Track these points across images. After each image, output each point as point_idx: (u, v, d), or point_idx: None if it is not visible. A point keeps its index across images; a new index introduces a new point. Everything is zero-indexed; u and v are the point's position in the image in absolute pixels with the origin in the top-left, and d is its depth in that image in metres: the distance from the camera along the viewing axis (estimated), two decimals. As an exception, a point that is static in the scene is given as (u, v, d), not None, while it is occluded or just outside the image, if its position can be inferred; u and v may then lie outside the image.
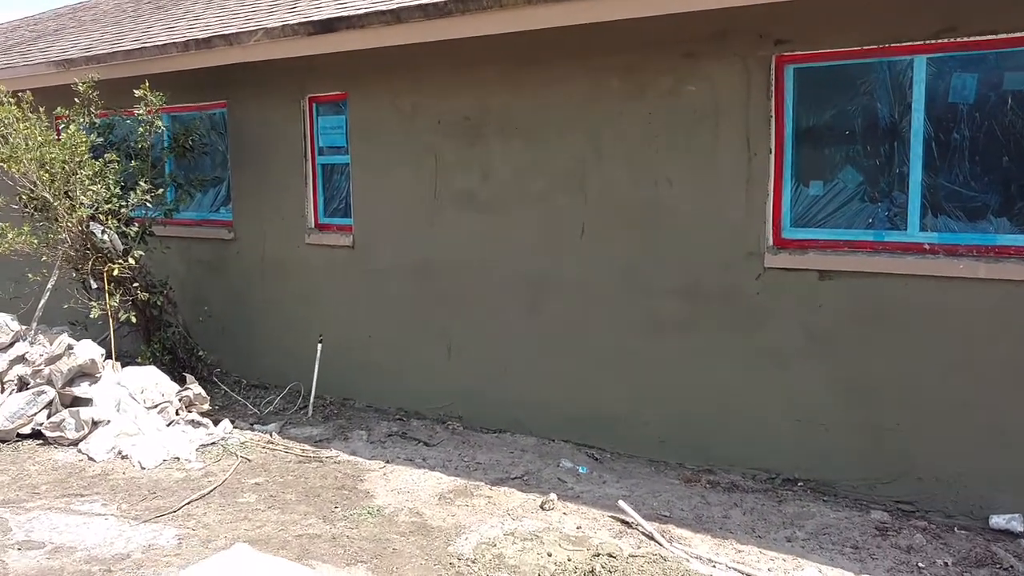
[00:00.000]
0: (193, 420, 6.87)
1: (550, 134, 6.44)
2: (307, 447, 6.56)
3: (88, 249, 7.62)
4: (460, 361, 7.13)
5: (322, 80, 7.74)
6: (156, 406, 6.79)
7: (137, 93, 7.57)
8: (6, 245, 7.18)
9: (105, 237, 7.58)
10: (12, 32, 12.80)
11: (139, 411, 6.66)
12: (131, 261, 7.66)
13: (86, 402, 6.71)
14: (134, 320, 7.68)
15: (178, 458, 6.24)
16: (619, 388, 6.29)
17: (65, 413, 6.56)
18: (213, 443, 6.59)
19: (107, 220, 7.44)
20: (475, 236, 6.93)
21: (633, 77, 6.02)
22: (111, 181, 7.37)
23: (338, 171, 7.95)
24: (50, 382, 6.90)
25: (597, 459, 6.16)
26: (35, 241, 7.30)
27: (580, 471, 5.89)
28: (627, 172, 6.13)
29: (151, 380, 6.98)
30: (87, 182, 7.19)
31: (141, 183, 7.44)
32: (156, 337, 8.11)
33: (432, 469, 6.01)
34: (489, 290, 6.90)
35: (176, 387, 7.11)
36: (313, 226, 8.07)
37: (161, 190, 7.66)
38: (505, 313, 6.83)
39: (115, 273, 7.62)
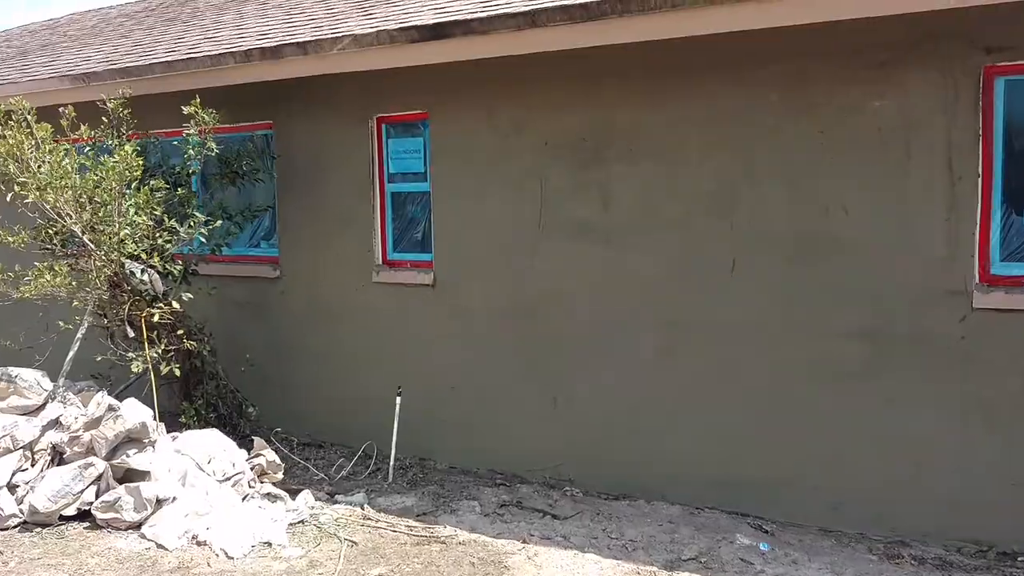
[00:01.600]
0: (269, 493, 5.82)
1: (690, 155, 5.65)
2: (412, 523, 5.57)
3: (124, 291, 6.54)
4: (570, 415, 6.23)
5: (395, 98, 6.83)
6: (228, 478, 5.73)
7: (186, 110, 6.55)
8: (39, 288, 6.05)
9: (145, 277, 6.52)
10: (-13, 48, 11.53)
11: (210, 485, 5.59)
12: (175, 305, 6.60)
13: (142, 475, 5.61)
14: (177, 373, 6.60)
15: (269, 543, 5.20)
16: (781, 446, 5.47)
17: (121, 490, 5.46)
18: (301, 521, 5.55)
19: (150, 257, 6.38)
20: (591, 272, 6.07)
21: (800, 89, 5.26)
22: (158, 212, 6.31)
23: (412, 200, 7.02)
24: (91, 451, 5.79)
25: (766, 531, 5.31)
26: (74, 284, 6.19)
27: (762, 548, 5.04)
28: (790, 199, 5.36)
29: (217, 446, 5.91)
30: (132, 213, 6.12)
31: (197, 214, 6.41)
32: (199, 391, 7.02)
33: (582, 550, 5.09)
34: (608, 333, 6.04)
35: (244, 453, 6.05)
36: (381, 262, 7.10)
37: (219, 222, 6.61)
38: (629, 359, 5.97)
39: (155, 319, 6.56)
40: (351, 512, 5.76)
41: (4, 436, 5.72)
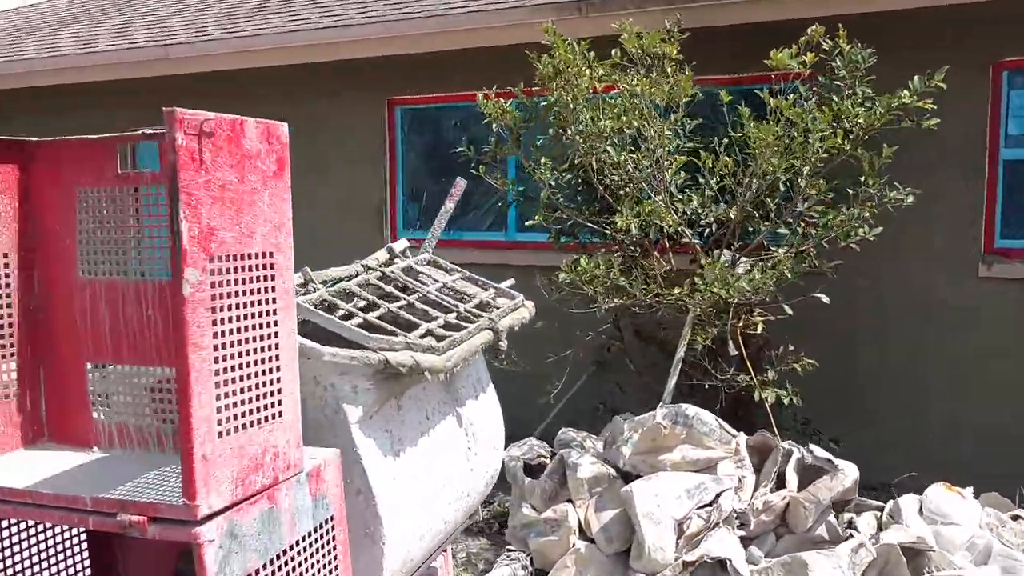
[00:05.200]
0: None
1: None
2: None
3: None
4: None
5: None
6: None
7: (824, 45, 4.78)
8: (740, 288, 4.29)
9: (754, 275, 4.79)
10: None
11: (1029, 566, 3.89)
12: (787, 310, 4.89)
13: (912, 556, 3.90)
14: (796, 401, 4.87)
15: None
16: None
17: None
18: None
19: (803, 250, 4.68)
20: None
21: None
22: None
23: (1040, 169, 5.43)
24: (776, 518, 4.07)
25: None
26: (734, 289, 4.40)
27: None
28: None
29: (968, 504, 4.23)
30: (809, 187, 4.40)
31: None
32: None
33: None
34: None
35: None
36: (984, 251, 5.47)
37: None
38: None
39: (759, 330, 4.85)
40: None
41: (703, 507, 3.95)
